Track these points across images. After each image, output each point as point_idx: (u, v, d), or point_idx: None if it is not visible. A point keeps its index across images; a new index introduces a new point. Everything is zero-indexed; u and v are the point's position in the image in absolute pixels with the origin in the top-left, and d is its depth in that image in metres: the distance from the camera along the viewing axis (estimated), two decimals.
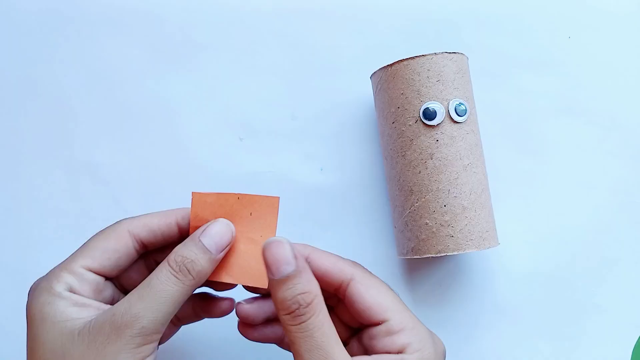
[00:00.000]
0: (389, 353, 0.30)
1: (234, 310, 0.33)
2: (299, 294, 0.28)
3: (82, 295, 0.29)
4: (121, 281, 0.33)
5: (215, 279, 0.31)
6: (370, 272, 0.33)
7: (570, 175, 0.43)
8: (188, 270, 0.29)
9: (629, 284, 0.42)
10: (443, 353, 0.31)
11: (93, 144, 0.45)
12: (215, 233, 0.30)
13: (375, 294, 0.31)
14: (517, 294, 0.42)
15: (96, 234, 0.32)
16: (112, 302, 0.32)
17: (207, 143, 0.45)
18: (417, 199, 0.37)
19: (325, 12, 0.45)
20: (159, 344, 0.35)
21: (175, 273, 0.29)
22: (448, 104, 0.37)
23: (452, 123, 0.37)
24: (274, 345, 0.35)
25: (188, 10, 0.46)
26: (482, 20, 0.45)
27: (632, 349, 0.42)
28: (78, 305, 0.29)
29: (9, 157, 0.45)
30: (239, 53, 0.45)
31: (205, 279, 0.30)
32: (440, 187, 0.36)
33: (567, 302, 0.42)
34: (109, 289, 0.32)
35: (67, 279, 0.29)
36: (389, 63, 0.38)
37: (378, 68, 0.39)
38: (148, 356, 0.28)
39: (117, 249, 0.31)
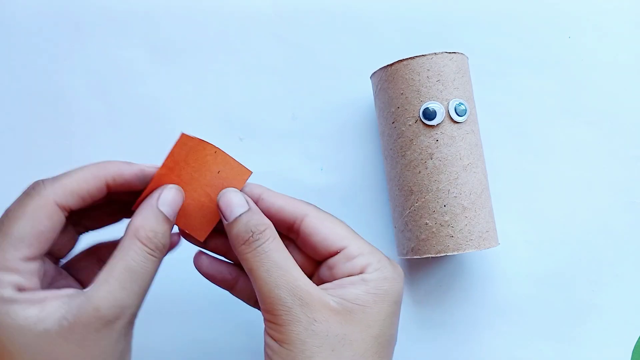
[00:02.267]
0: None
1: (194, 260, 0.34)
2: (251, 226, 0.29)
3: (34, 290, 0.26)
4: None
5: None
6: (324, 210, 0.33)
7: (570, 175, 0.43)
8: (163, 245, 0.28)
9: (629, 284, 0.42)
10: (402, 275, 0.31)
11: (93, 144, 0.45)
12: (172, 200, 0.30)
13: (330, 225, 0.31)
14: (517, 294, 0.42)
15: (15, 209, 0.27)
16: (45, 274, 0.29)
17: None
18: (417, 199, 0.37)
19: (325, 12, 0.45)
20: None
21: (151, 252, 0.28)
22: (448, 104, 0.37)
23: (452, 123, 0.37)
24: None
25: (188, 11, 0.46)
26: (482, 20, 0.45)
27: (632, 349, 0.42)
28: (36, 303, 0.25)
29: (8, 157, 0.45)
30: (239, 53, 0.45)
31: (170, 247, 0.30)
32: (440, 187, 0.36)
33: (567, 302, 0.42)
34: (42, 264, 0.29)
35: (10, 278, 0.26)
36: (389, 63, 0.38)
37: (378, 68, 0.39)
38: (131, 331, 0.28)
39: (53, 228, 0.27)
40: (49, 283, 0.29)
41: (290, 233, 0.32)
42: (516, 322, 0.42)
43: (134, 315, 0.27)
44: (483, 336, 0.42)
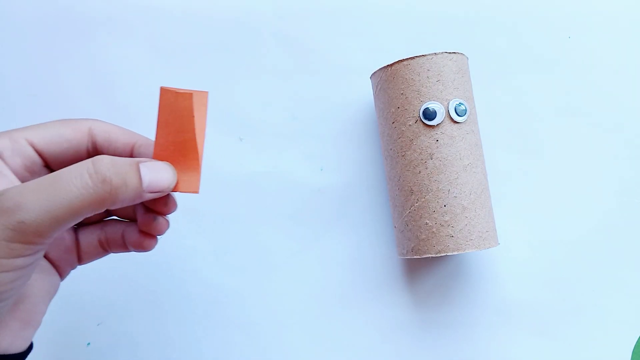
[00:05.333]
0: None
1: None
2: None
3: (7, 165, 0.27)
4: None
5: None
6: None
7: (570, 175, 0.43)
8: (110, 180, 0.25)
9: (629, 284, 0.42)
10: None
11: None
12: (157, 169, 0.27)
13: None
14: (517, 294, 0.43)
15: (59, 120, 0.30)
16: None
17: (207, 143, 0.45)
18: (417, 199, 0.37)
19: (325, 12, 0.45)
20: (81, 262, 0.32)
21: (91, 174, 0.24)
22: (448, 104, 0.37)
23: (452, 123, 0.37)
24: None
25: (188, 11, 0.46)
26: (482, 20, 0.45)
27: (632, 349, 0.42)
28: None
29: None
30: (239, 53, 0.45)
31: (114, 207, 0.26)
32: (440, 187, 0.36)
33: (567, 302, 0.42)
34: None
35: (3, 142, 0.27)
36: (389, 63, 0.38)
37: (378, 68, 0.39)
38: (21, 257, 0.24)
39: (70, 139, 0.29)
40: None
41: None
42: (516, 322, 0.42)
43: (26, 228, 0.23)
44: (483, 336, 0.42)
